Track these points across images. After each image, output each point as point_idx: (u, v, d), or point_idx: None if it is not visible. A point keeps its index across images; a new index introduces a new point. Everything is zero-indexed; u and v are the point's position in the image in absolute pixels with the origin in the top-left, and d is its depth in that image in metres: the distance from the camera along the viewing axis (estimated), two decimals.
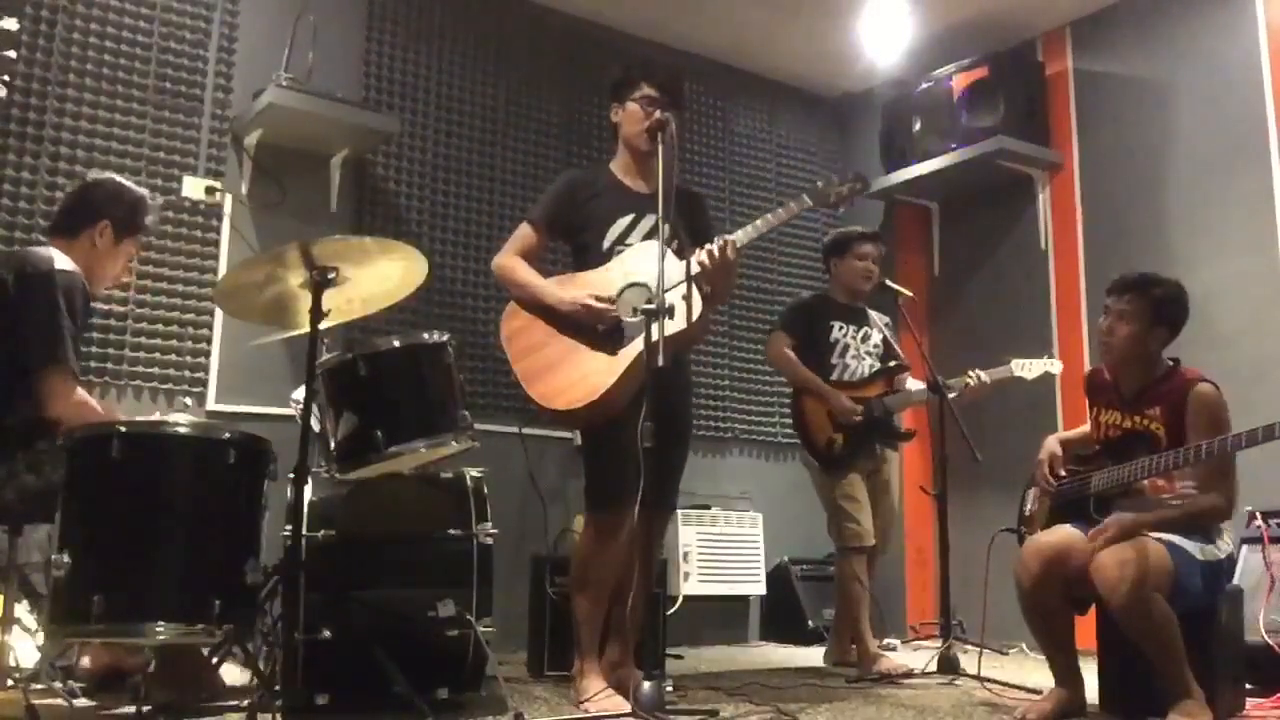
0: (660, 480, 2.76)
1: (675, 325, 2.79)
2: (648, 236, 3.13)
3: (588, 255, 3.16)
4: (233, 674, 2.92)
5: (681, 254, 2.99)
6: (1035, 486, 3.29)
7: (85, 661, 3.00)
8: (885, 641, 4.65)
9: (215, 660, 2.67)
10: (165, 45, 4.35)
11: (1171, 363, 3.04)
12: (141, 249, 3.30)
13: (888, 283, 4.25)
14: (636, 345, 2.91)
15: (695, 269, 2.94)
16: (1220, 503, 2.85)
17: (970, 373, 4.13)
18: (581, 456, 3.12)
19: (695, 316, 2.92)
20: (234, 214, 4.38)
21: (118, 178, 3.16)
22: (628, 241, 3.13)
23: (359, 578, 2.88)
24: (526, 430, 4.01)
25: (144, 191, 3.18)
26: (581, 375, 2.95)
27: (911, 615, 5.63)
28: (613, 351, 2.96)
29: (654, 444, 2.66)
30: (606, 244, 3.13)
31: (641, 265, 3.01)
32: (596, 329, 2.98)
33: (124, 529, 2.44)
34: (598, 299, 2.98)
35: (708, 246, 2.96)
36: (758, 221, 3.05)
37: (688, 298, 2.91)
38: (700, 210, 3.35)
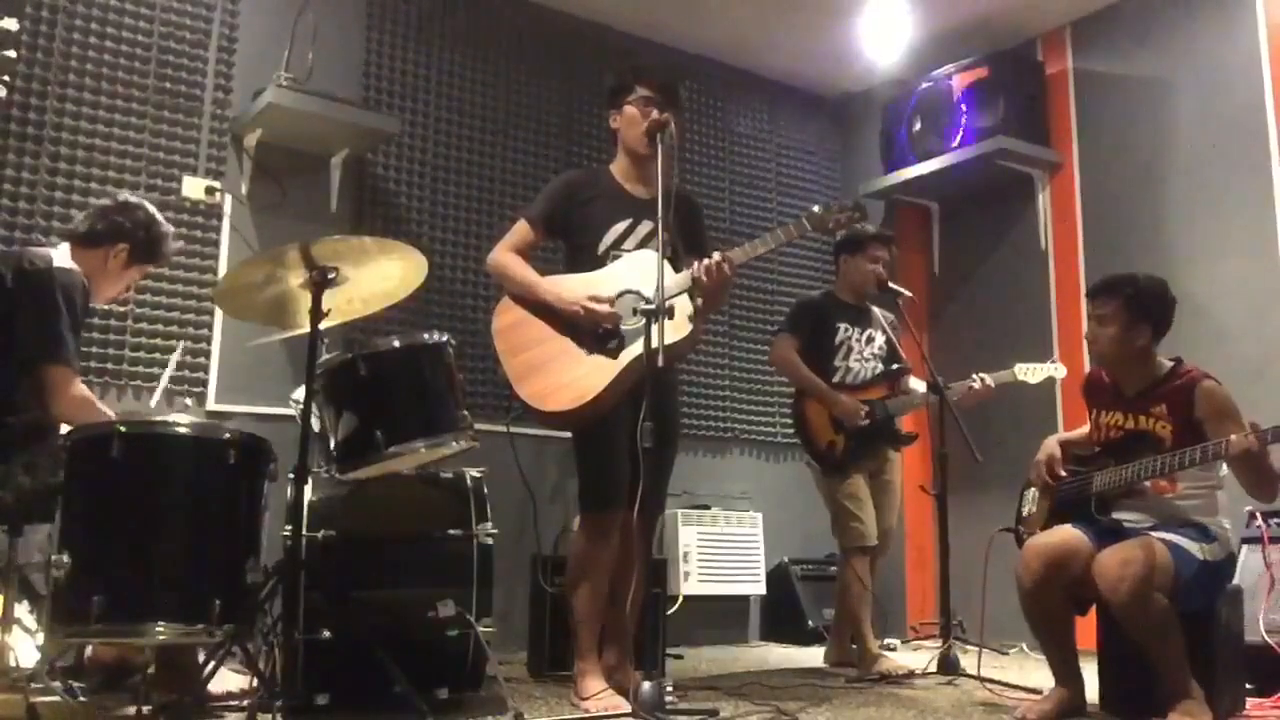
0: (651, 480, 2.76)
1: (670, 334, 2.78)
2: (643, 242, 3.14)
3: (582, 257, 3.15)
4: (228, 679, 2.91)
5: (677, 263, 2.99)
6: (1033, 487, 3.29)
7: (91, 652, 3.00)
8: (885, 642, 4.65)
9: (213, 664, 2.66)
10: (165, 45, 4.35)
11: (1173, 362, 3.04)
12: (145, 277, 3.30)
13: (888, 283, 4.25)
14: (632, 349, 2.92)
15: (690, 282, 2.94)
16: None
17: (974, 376, 4.13)
18: (574, 457, 3.12)
19: (689, 329, 2.93)
20: (234, 214, 4.38)
21: (150, 206, 3.16)
22: (623, 246, 3.14)
23: (359, 578, 2.88)
24: (527, 430, 4.01)
25: (171, 228, 3.20)
26: (574, 377, 2.96)
27: (911, 615, 5.63)
28: (608, 354, 2.96)
29: (652, 444, 2.67)
30: (602, 248, 3.13)
31: (635, 274, 3.01)
32: (593, 331, 2.98)
33: (124, 529, 2.44)
34: (596, 301, 2.99)
35: (705, 261, 2.96)
36: (755, 241, 3.06)
37: (683, 308, 2.91)
38: (696, 217, 3.35)
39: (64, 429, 2.70)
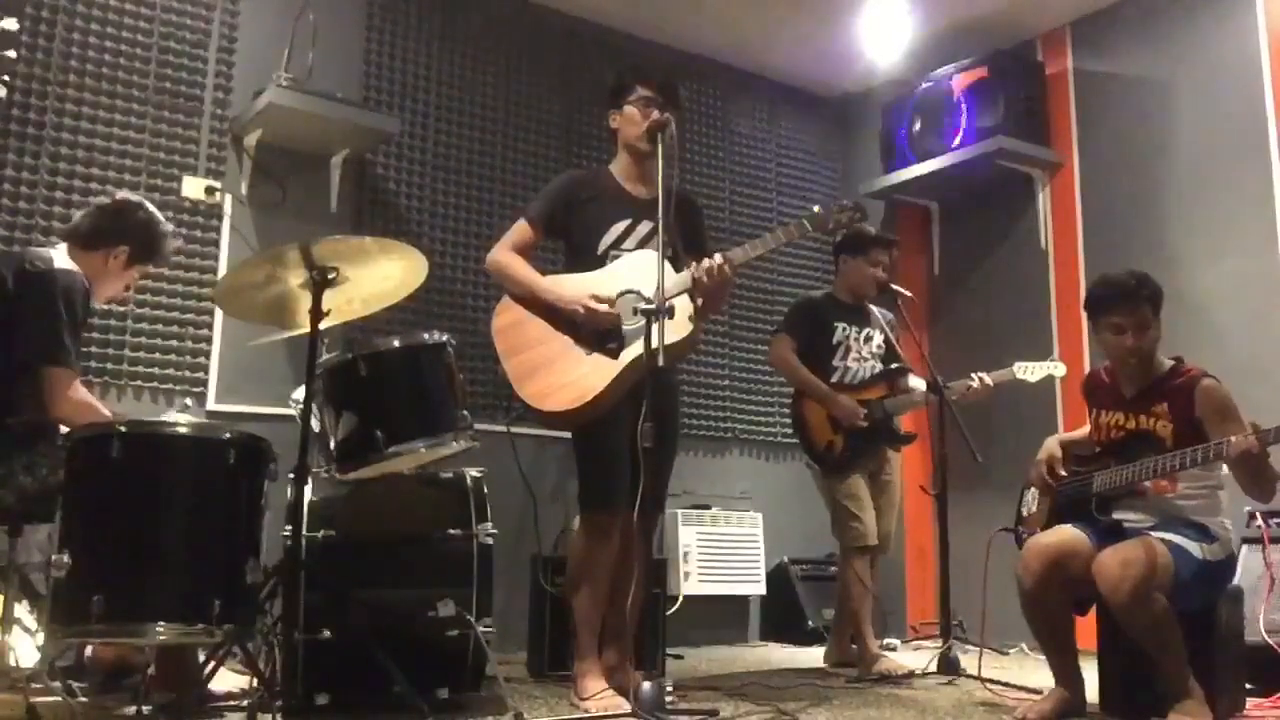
0: (651, 480, 2.75)
1: (670, 334, 2.78)
2: (643, 242, 3.14)
3: (582, 257, 3.15)
4: (228, 679, 2.91)
5: (676, 263, 2.99)
6: (1033, 487, 3.29)
7: (91, 652, 3.00)
8: (885, 642, 4.65)
9: (213, 664, 2.66)
10: (165, 45, 4.35)
11: (1174, 361, 3.04)
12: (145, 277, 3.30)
13: (888, 284, 4.25)
14: (632, 349, 2.92)
15: (690, 282, 2.94)
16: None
17: (973, 375, 4.12)
18: (574, 457, 3.13)
19: (689, 328, 2.93)
20: (234, 214, 4.38)
21: (150, 206, 3.15)
22: (623, 246, 3.14)
23: (359, 578, 2.88)
24: (527, 430, 4.01)
25: (171, 227, 3.19)
26: (575, 377, 2.96)
27: (911, 615, 5.63)
28: (608, 354, 2.96)
29: (652, 444, 2.67)
30: (602, 248, 3.13)
31: (636, 274, 3.01)
32: (593, 331, 2.98)
33: (124, 529, 2.44)
34: (597, 300, 2.99)
35: (705, 262, 2.96)
36: (756, 241, 3.06)
37: (684, 309, 2.92)
38: (696, 218, 3.35)
39: (64, 429, 2.70)
